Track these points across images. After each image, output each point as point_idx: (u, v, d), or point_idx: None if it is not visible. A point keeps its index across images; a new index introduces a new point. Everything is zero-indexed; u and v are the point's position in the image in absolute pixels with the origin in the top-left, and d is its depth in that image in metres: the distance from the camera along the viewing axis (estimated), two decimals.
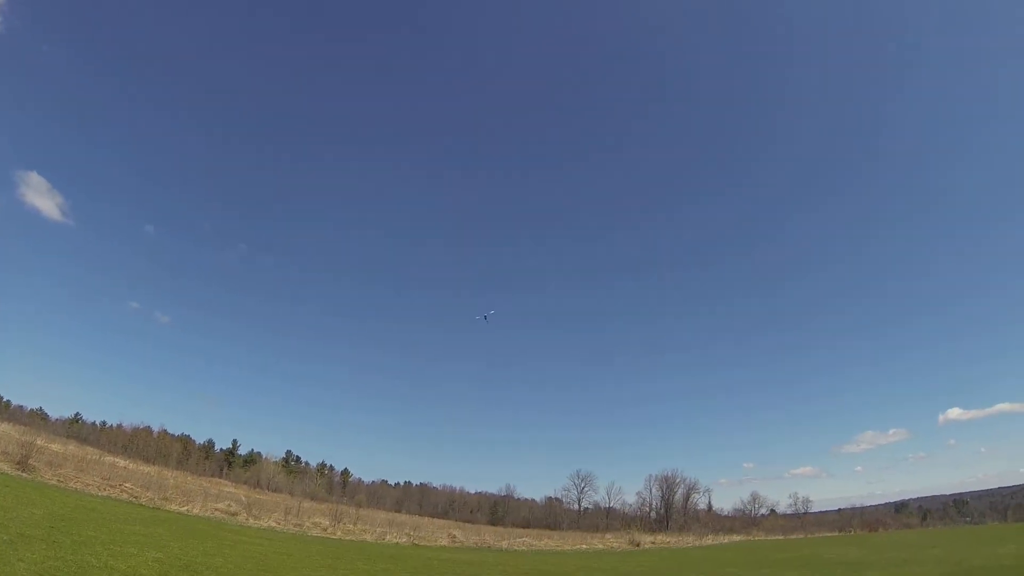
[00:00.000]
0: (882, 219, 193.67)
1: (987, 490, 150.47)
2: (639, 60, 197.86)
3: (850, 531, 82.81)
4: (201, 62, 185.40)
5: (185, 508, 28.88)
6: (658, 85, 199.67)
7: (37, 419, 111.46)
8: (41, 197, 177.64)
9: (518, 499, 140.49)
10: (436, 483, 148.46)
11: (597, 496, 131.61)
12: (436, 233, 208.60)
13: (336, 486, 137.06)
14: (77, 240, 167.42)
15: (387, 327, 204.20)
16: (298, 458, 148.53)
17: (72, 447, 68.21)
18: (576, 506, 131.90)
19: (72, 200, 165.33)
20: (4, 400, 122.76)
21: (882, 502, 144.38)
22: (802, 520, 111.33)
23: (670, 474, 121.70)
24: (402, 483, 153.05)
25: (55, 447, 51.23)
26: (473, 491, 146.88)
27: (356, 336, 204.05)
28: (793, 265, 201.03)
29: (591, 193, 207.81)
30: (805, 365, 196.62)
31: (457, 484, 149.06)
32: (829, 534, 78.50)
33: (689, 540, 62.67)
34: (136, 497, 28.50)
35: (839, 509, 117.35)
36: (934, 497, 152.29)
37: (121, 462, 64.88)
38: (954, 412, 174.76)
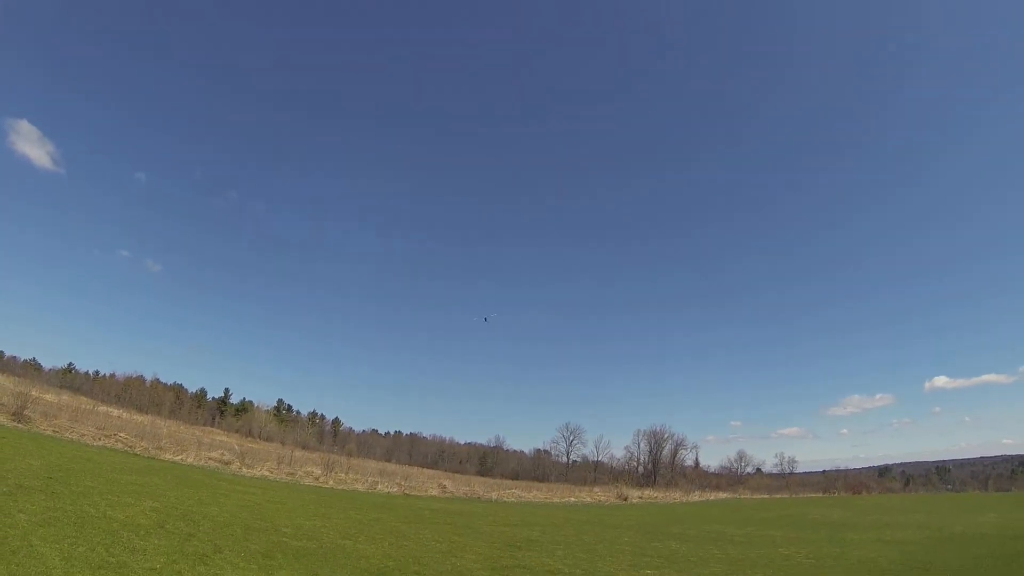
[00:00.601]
0: (878, 186, 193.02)
1: (969, 459, 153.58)
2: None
3: (834, 493, 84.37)
4: (191, 6, 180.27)
5: (179, 457, 29.44)
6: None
7: (31, 370, 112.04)
8: (32, 146, 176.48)
9: (507, 451, 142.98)
10: (426, 433, 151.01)
11: (585, 449, 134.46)
12: (430, 182, 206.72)
13: (327, 435, 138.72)
14: (68, 188, 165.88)
15: (379, 276, 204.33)
16: (289, 407, 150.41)
17: (66, 397, 68.84)
18: (565, 459, 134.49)
19: (63, 148, 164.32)
20: None
21: (866, 466, 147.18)
22: (787, 480, 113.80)
23: (658, 429, 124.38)
24: (392, 433, 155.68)
25: (49, 398, 51.74)
26: (463, 442, 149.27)
27: (347, 285, 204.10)
28: (787, 229, 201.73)
29: (586, 149, 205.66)
30: (795, 327, 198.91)
31: (447, 435, 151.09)
32: (814, 495, 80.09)
33: (676, 496, 63.78)
34: (131, 447, 29.01)
35: (824, 471, 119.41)
36: (917, 463, 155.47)
37: (115, 412, 65.62)
38: (940, 380, 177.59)
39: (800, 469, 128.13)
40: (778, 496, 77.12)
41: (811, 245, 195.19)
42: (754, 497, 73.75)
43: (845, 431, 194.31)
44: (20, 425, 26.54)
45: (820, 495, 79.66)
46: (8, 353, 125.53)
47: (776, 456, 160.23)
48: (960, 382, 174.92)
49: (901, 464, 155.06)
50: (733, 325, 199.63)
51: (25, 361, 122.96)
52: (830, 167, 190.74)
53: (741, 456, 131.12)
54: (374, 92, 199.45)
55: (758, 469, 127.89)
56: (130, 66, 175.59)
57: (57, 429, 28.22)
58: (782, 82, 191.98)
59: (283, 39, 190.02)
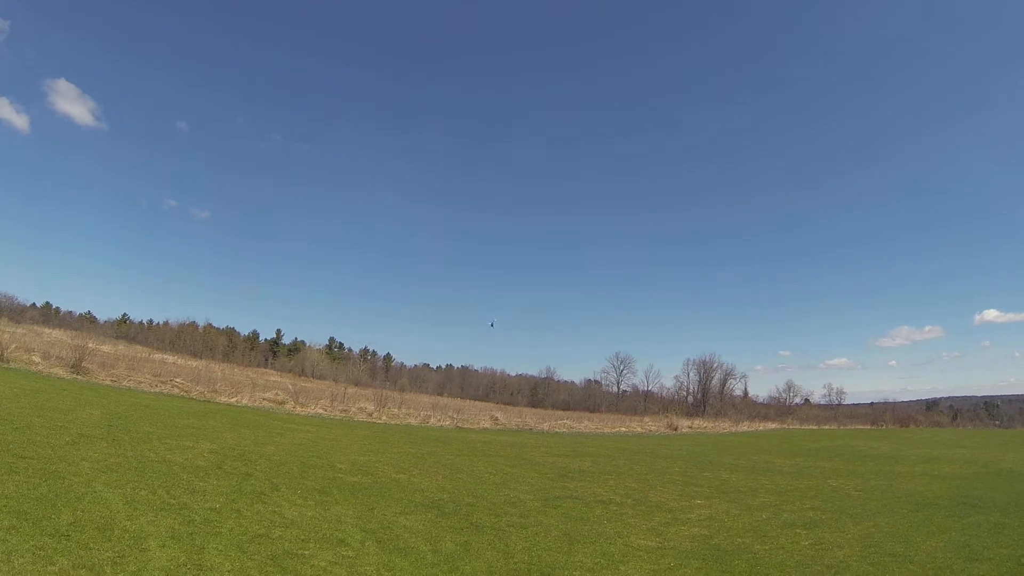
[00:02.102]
0: (932, 116, 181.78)
1: (1018, 395, 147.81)
2: None
3: (882, 425, 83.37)
4: None
5: (234, 399, 30.49)
6: None
7: (86, 323, 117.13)
8: (72, 104, 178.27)
9: (558, 381, 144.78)
10: (477, 366, 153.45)
11: (635, 379, 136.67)
12: (478, 125, 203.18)
13: (379, 371, 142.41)
14: (111, 143, 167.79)
15: (426, 211, 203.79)
16: (341, 345, 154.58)
17: (122, 347, 71.75)
18: (615, 389, 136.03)
19: (104, 104, 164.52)
20: (54, 307, 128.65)
21: (914, 398, 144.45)
22: (835, 411, 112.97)
23: (708, 359, 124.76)
24: (443, 367, 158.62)
25: (106, 348, 53.85)
26: (514, 373, 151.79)
27: (395, 221, 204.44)
28: (837, 159, 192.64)
29: (634, 85, 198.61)
30: (844, 256, 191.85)
31: (498, 367, 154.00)
32: (861, 427, 79.16)
33: (725, 426, 63.98)
34: (187, 392, 30.14)
35: (872, 403, 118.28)
36: (965, 398, 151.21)
37: (170, 358, 68.12)
38: (991, 313, 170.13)
39: (848, 400, 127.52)
40: (826, 427, 76.83)
41: (862, 174, 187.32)
42: (802, 428, 73.78)
43: (893, 363, 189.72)
44: (79, 377, 27.72)
45: (868, 427, 78.80)
46: (64, 308, 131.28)
47: (824, 387, 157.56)
48: (1011, 316, 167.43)
49: (949, 398, 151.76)
50: (782, 254, 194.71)
51: (80, 315, 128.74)
52: (885, 94, 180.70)
53: (789, 386, 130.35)
54: (422, 37, 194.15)
55: (806, 400, 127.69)
56: (163, 17, 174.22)
57: (115, 378, 29.42)
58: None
59: None
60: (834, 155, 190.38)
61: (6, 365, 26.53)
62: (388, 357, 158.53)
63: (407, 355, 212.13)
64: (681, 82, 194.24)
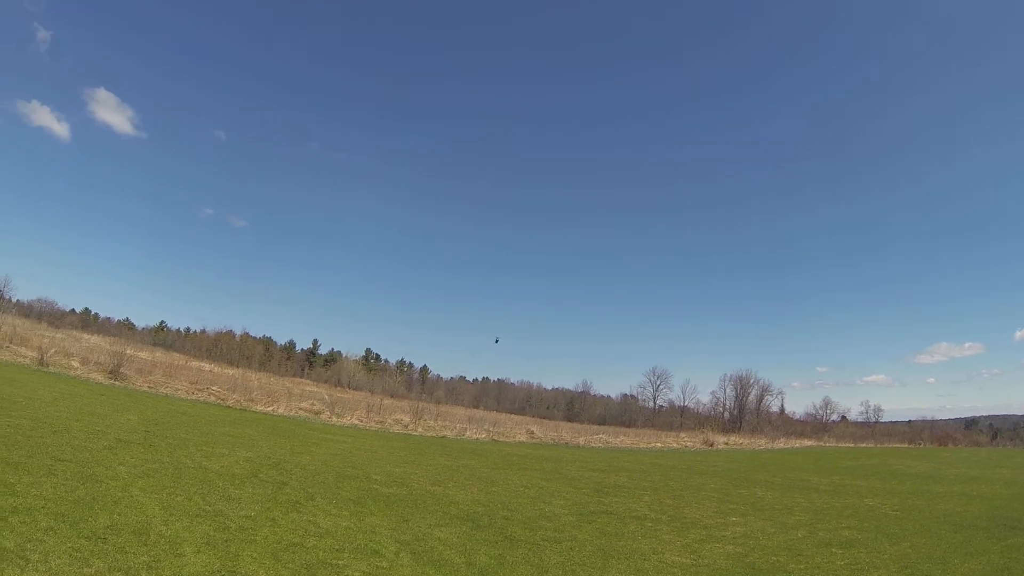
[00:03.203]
0: (973, 123, 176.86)
1: None
2: None
3: (920, 444, 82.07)
4: None
5: (270, 408, 30.86)
6: None
7: (125, 329, 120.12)
8: (111, 112, 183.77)
9: (595, 396, 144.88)
10: (513, 379, 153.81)
11: (672, 394, 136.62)
12: (518, 136, 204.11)
13: (415, 383, 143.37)
14: (150, 151, 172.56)
15: (465, 222, 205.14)
16: (377, 356, 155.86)
17: (159, 354, 73.21)
18: (651, 404, 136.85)
19: (142, 113, 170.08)
20: (93, 313, 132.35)
21: (952, 416, 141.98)
22: (872, 429, 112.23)
23: (744, 374, 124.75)
24: (480, 379, 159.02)
25: (143, 355, 55.00)
26: (550, 387, 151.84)
27: (432, 232, 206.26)
28: (876, 168, 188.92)
29: (679, 93, 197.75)
30: (883, 271, 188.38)
31: (534, 380, 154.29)
32: (899, 445, 78.14)
33: (761, 442, 63.53)
34: (223, 400, 30.62)
35: (909, 420, 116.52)
36: (1005, 416, 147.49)
37: (206, 366, 69.47)
38: None
39: (885, 418, 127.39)
40: (863, 445, 75.79)
41: (901, 184, 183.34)
42: (839, 446, 72.84)
43: (932, 380, 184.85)
44: (117, 382, 28.36)
45: (905, 446, 77.64)
46: (103, 314, 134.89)
47: (862, 404, 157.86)
48: None
49: (989, 416, 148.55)
50: (820, 267, 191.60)
51: (119, 321, 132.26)
52: (927, 96, 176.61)
53: (826, 403, 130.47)
54: (460, 47, 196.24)
55: (843, 417, 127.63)
56: (199, 26, 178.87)
57: (152, 385, 30.03)
58: None
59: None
60: (872, 164, 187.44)
61: (46, 369, 27.27)
62: (424, 369, 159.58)
63: (443, 367, 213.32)
64: (713, 90, 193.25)
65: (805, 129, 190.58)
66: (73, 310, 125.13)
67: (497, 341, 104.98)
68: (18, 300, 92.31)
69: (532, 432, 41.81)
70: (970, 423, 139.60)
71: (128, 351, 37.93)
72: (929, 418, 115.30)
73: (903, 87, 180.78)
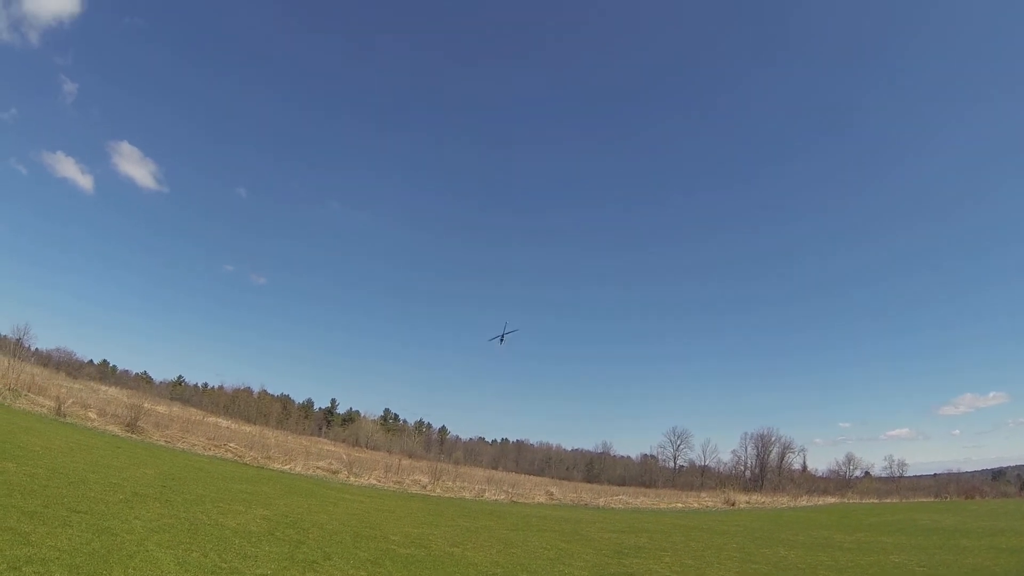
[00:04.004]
0: (992, 169, 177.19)
1: None
2: None
3: (946, 497, 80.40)
4: (281, 24, 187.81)
5: (288, 467, 30.73)
6: None
7: (143, 383, 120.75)
8: (134, 165, 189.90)
9: (614, 456, 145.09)
10: (532, 440, 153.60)
11: (692, 454, 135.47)
12: (535, 197, 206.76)
13: (434, 443, 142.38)
14: (171, 206, 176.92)
15: (481, 284, 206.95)
16: (396, 416, 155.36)
17: (176, 409, 73.50)
18: (672, 464, 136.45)
19: (165, 167, 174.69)
20: (111, 366, 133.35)
21: (979, 468, 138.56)
22: (897, 484, 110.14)
23: (765, 432, 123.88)
24: (499, 440, 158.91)
25: (161, 409, 55.32)
26: (569, 448, 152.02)
27: (450, 293, 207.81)
28: (893, 216, 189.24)
29: (703, 145, 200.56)
30: (905, 322, 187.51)
31: (553, 441, 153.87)
32: (924, 499, 76.87)
33: (783, 501, 62.95)
34: (240, 456, 30.53)
35: (935, 474, 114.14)
36: None
37: (224, 422, 69.57)
38: None
39: (910, 472, 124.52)
40: (888, 501, 74.85)
41: (920, 232, 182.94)
42: (863, 502, 72.15)
43: (957, 431, 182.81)
44: (134, 436, 28.41)
45: (931, 500, 76.27)
46: (121, 367, 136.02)
47: (885, 459, 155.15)
48: None
49: (1016, 466, 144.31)
50: (841, 322, 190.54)
51: (137, 375, 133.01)
52: (941, 150, 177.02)
53: (849, 459, 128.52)
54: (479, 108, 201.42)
55: (867, 472, 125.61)
56: (222, 85, 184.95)
57: (169, 439, 30.05)
58: None
59: (372, 60, 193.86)
60: (890, 212, 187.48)
61: (63, 419, 27.42)
62: (443, 430, 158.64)
63: (462, 428, 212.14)
64: (728, 145, 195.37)
65: (819, 180, 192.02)
66: (91, 361, 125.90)
67: (502, 340, 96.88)
68: (37, 349, 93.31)
69: (551, 493, 41.49)
70: (997, 474, 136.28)
71: (146, 404, 38.15)
72: (955, 471, 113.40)
73: (916, 135, 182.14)
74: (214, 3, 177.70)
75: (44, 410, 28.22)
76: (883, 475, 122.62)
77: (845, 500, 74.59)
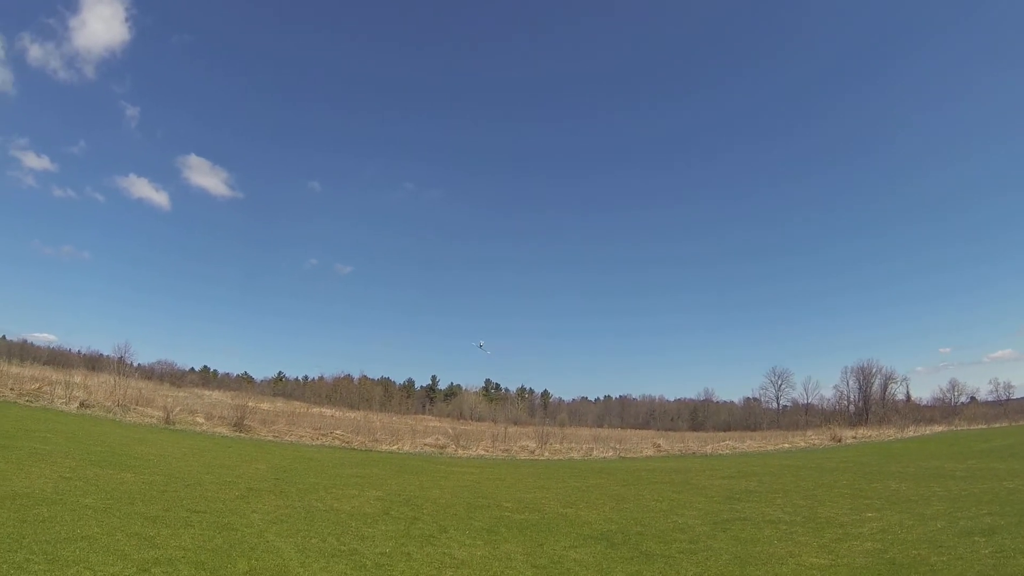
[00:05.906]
0: None
1: None
2: None
3: None
4: (318, 34, 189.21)
5: (395, 447, 31.65)
6: None
7: (244, 383, 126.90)
8: (205, 176, 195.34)
9: (717, 402, 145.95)
10: (635, 394, 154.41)
11: (794, 393, 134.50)
12: (613, 160, 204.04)
13: (537, 408, 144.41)
14: (248, 210, 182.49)
15: (568, 247, 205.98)
16: (497, 385, 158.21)
17: (280, 404, 76.74)
18: (775, 405, 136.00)
19: (236, 174, 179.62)
20: (212, 370, 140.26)
21: None
22: (1004, 407, 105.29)
23: (866, 365, 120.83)
24: (602, 398, 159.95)
25: (264, 406, 57.66)
26: (672, 399, 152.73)
27: (539, 257, 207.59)
28: (976, 134, 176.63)
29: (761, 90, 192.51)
30: (1001, 239, 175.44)
31: (656, 393, 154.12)
32: None
33: (890, 433, 61.74)
34: (347, 442, 31.61)
35: None
36: None
37: (327, 412, 72.12)
38: None
39: (1017, 395, 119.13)
40: (996, 425, 72.43)
41: (1001, 157, 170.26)
42: (971, 428, 70.29)
43: None
44: (242, 434, 29.77)
45: None
46: (222, 371, 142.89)
47: (990, 382, 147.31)
48: None
49: None
50: (934, 245, 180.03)
51: (238, 376, 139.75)
52: None
53: (953, 385, 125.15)
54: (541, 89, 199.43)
55: (972, 398, 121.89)
56: (277, 86, 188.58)
57: (276, 434, 31.34)
58: None
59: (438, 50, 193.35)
60: (975, 131, 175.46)
61: (172, 427, 28.93)
62: (545, 394, 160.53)
63: (564, 390, 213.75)
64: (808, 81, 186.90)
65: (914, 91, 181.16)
66: (193, 369, 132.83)
67: (481, 346, 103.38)
68: (139, 364, 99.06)
69: (658, 445, 41.65)
70: None
71: (250, 403, 39.84)
72: None
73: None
74: (256, 9, 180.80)
75: (153, 420, 29.82)
76: (989, 399, 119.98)
77: (953, 428, 73.79)
